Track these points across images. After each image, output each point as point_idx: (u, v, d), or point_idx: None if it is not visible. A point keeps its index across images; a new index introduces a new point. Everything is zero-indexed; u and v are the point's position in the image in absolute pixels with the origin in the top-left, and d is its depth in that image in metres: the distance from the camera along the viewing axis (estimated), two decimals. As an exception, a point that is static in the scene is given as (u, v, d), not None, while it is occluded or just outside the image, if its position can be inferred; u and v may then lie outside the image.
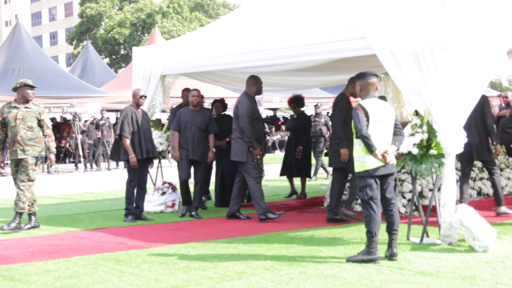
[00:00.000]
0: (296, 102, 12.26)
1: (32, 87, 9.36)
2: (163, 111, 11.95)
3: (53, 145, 9.25)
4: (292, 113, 13.12)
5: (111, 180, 17.67)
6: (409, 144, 7.24)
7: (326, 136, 16.35)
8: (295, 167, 12.08)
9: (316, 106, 17.99)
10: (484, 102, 9.25)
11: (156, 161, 11.41)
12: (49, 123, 9.34)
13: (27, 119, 9.11)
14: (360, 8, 7.98)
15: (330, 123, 16.67)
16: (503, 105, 14.01)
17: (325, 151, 16.03)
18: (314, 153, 16.05)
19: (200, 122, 10.03)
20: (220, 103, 11.50)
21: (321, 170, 16.33)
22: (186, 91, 10.95)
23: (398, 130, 6.74)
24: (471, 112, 7.40)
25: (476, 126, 9.11)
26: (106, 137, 22.21)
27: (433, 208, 7.74)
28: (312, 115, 17.56)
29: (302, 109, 12.60)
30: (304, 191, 12.26)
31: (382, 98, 11.86)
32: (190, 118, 10.03)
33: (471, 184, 10.38)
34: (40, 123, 9.17)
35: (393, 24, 7.38)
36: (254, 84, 9.79)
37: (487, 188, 10.48)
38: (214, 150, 10.33)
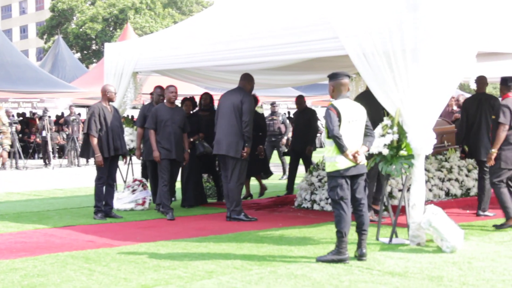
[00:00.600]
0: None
1: None
2: (134, 107, 11.82)
3: (6, 142, 9.02)
4: None
5: (81, 176, 17.50)
6: (379, 145, 7.28)
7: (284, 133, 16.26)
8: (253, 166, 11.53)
9: (272, 104, 17.75)
10: None
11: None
12: (5, 120, 9.10)
13: None
14: (333, 9, 8.00)
15: (287, 121, 16.78)
16: (455, 108, 14.27)
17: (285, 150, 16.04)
18: (277, 152, 16.00)
19: (180, 120, 9.93)
20: (190, 101, 11.35)
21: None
22: (158, 88, 10.87)
23: (369, 131, 6.78)
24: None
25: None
26: (76, 133, 21.92)
27: (402, 209, 7.80)
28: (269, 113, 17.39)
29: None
30: (263, 185, 12.26)
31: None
32: (170, 116, 9.83)
33: (439, 184, 10.46)
34: None
35: (366, 25, 7.40)
36: (249, 82, 9.72)
37: (455, 189, 10.57)
38: (188, 150, 10.26)
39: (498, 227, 8.32)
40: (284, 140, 16.15)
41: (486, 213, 9.39)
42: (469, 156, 10.02)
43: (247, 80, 9.75)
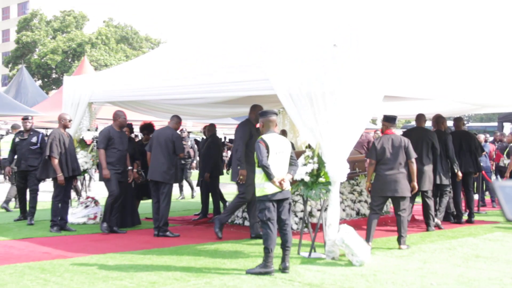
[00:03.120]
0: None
1: None
2: (88, 129, 11.60)
3: None
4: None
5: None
6: (302, 173, 7.34)
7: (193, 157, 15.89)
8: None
9: (181, 131, 17.09)
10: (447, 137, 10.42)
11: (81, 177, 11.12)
12: None
13: None
14: (264, 54, 8.08)
15: (196, 146, 16.57)
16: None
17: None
18: (183, 173, 15.62)
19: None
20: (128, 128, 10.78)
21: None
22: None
23: (293, 161, 6.84)
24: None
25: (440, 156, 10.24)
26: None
27: (320, 226, 7.88)
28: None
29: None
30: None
31: (283, 132, 12.01)
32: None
33: (351, 205, 10.62)
34: None
35: (292, 70, 7.49)
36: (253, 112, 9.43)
37: (364, 209, 10.74)
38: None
39: None
40: (193, 164, 16.01)
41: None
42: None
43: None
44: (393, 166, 8.20)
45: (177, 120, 9.84)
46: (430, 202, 9.96)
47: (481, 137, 14.74)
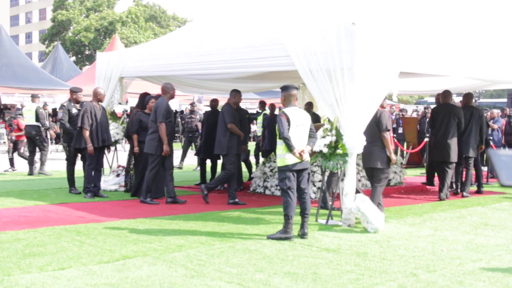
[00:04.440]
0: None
1: None
2: (119, 103, 11.61)
3: None
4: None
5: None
6: (320, 145, 7.30)
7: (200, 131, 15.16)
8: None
9: (192, 104, 16.87)
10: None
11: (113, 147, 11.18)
12: None
13: None
14: (285, 32, 7.98)
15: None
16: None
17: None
18: (194, 146, 15.16)
19: None
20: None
21: None
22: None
23: (312, 133, 6.78)
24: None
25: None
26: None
27: (337, 195, 7.84)
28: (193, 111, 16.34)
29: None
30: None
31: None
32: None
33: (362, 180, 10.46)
34: None
35: (312, 47, 7.41)
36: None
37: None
38: None
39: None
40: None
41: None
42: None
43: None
44: (368, 139, 7.58)
45: (234, 94, 9.47)
46: (450, 172, 10.02)
47: (495, 112, 14.52)
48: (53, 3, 63.52)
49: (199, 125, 15.17)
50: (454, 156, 9.91)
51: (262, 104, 15.05)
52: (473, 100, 11.34)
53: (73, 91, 10.57)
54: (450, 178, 10.13)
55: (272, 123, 11.45)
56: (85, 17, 59.31)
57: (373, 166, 7.94)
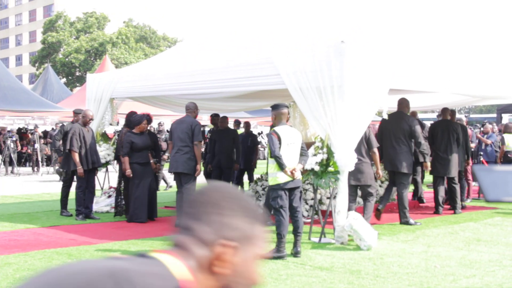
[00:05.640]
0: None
1: None
2: (110, 124, 11.56)
3: None
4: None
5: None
6: (312, 162, 7.31)
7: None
8: None
9: (159, 124, 16.79)
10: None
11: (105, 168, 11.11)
12: None
13: None
14: (275, 51, 8.04)
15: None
16: None
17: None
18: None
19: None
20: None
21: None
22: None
23: (303, 151, 6.80)
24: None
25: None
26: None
27: (329, 213, 7.84)
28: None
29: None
30: None
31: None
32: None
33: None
34: None
35: (302, 65, 7.46)
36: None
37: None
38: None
39: None
40: (165, 156, 13.76)
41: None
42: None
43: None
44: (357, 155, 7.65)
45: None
46: (457, 187, 10.20)
47: (488, 126, 14.55)
48: (43, 25, 63.69)
49: (164, 145, 14.53)
50: (454, 171, 10.15)
51: (237, 123, 14.62)
52: (457, 115, 11.45)
53: (76, 113, 10.59)
54: (458, 192, 10.30)
55: (245, 140, 11.61)
56: (75, 39, 59.47)
57: (364, 183, 8.03)
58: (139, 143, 9.26)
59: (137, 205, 9.25)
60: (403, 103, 9.47)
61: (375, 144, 8.23)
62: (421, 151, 9.40)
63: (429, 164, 9.77)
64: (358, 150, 7.71)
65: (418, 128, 9.18)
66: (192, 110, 9.11)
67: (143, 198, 9.24)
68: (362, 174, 8.06)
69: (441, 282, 5.47)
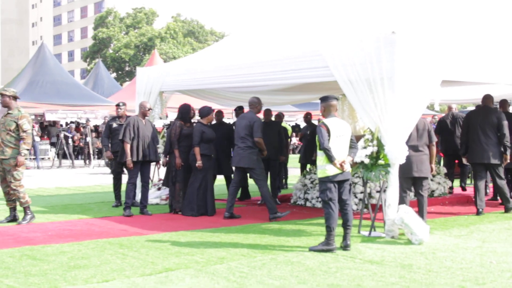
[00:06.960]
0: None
1: (3, 95, 8.41)
2: (160, 118, 11.72)
3: (24, 147, 8.26)
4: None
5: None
6: (362, 155, 7.22)
7: None
8: None
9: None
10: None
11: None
12: (26, 127, 8.51)
13: (6, 123, 8.37)
14: (324, 43, 7.95)
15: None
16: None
17: None
18: None
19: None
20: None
21: None
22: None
23: (353, 143, 6.72)
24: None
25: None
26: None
27: (379, 207, 7.73)
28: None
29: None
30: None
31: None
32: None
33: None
34: (18, 127, 8.31)
35: (351, 57, 7.35)
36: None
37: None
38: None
39: None
40: None
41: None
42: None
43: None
44: (418, 147, 7.98)
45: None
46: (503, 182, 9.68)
47: None
48: (94, 21, 65.10)
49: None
50: (493, 159, 9.52)
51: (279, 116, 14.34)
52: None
53: (116, 105, 10.76)
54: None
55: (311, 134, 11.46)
56: (125, 34, 60.55)
57: (423, 176, 8.00)
58: (208, 134, 9.31)
59: (200, 198, 9.25)
60: (489, 98, 9.82)
61: (434, 138, 8.16)
62: (505, 143, 9.44)
63: (508, 156, 9.54)
64: (420, 142, 7.97)
65: (505, 122, 9.48)
66: (254, 105, 9.20)
67: (204, 192, 9.26)
68: (424, 166, 8.00)
69: (498, 278, 5.32)
